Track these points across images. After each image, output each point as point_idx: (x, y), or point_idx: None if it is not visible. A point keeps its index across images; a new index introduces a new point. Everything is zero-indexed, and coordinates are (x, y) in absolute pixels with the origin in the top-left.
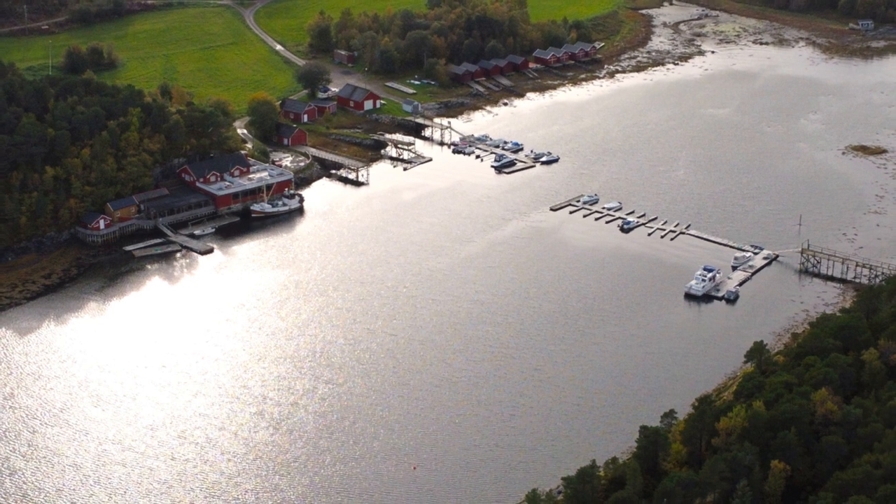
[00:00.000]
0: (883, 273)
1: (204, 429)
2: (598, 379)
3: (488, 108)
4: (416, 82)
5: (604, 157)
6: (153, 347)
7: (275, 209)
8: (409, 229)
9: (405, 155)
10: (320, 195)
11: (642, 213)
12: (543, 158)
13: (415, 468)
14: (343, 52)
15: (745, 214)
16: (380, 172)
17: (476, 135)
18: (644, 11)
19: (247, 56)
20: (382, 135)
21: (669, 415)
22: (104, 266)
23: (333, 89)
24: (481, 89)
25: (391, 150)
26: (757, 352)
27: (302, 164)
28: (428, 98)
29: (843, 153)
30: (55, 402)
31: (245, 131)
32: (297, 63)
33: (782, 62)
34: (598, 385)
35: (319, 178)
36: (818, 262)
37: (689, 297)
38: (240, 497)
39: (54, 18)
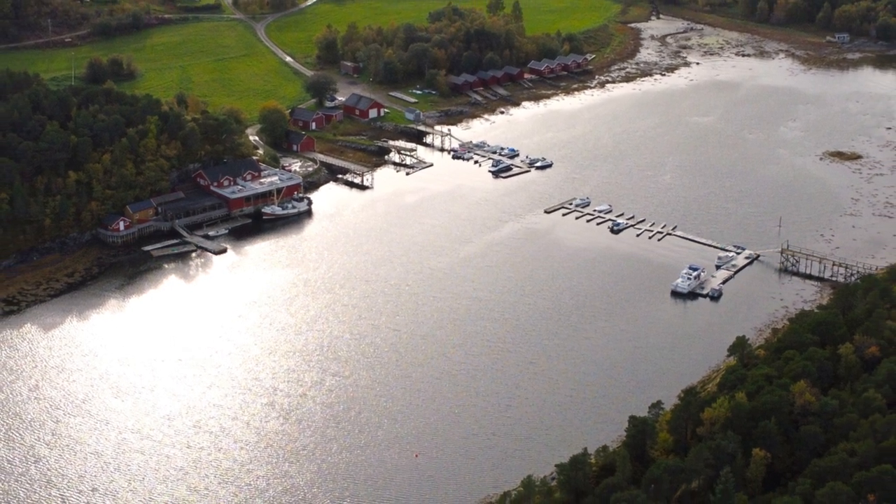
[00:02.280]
0: (858, 272)
1: (218, 419)
2: (590, 371)
3: (486, 116)
4: (418, 92)
5: (595, 163)
6: (170, 342)
7: (284, 211)
8: (412, 230)
9: (408, 160)
10: (327, 198)
11: (631, 216)
12: (538, 164)
13: (417, 456)
14: (349, 64)
15: (728, 216)
16: (384, 177)
17: (474, 141)
18: (633, 25)
19: (258, 67)
20: (386, 141)
21: (657, 405)
22: (124, 265)
23: (340, 98)
24: (479, 98)
25: (394, 156)
26: (739, 346)
27: (310, 168)
28: (429, 107)
29: (821, 159)
30: (77, 394)
31: (256, 138)
32: (305, 74)
33: (763, 73)
34: (589, 377)
35: (327, 182)
36: (797, 262)
37: (676, 294)
38: (252, 483)
39: (77, 32)
